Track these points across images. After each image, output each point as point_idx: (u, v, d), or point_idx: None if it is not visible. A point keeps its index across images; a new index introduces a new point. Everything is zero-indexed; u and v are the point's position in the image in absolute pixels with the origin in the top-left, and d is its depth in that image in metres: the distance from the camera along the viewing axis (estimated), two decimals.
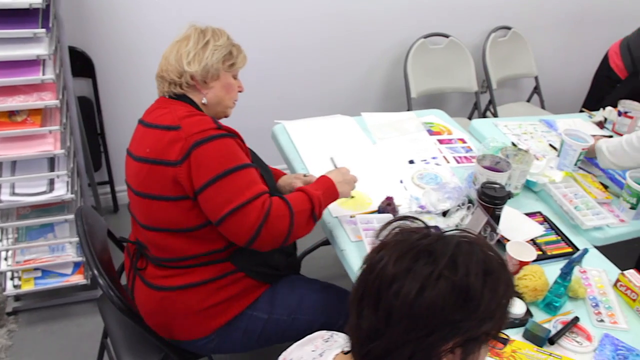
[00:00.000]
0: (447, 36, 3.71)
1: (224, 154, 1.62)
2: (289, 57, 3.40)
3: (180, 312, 1.75)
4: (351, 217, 1.97)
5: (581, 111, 3.18)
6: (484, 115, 3.92)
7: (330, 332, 1.23)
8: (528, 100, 4.23)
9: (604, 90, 3.38)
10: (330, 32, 3.43)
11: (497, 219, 1.85)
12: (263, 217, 1.60)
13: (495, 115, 3.80)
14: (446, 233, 1.00)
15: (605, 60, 3.43)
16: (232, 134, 1.70)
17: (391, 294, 0.92)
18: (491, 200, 1.83)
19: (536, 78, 4.10)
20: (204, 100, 1.76)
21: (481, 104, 3.92)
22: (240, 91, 1.87)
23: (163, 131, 1.65)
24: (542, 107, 4.11)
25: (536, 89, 4.14)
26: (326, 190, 1.80)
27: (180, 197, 1.64)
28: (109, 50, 2.98)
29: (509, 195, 1.88)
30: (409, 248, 0.95)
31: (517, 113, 3.72)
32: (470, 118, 3.95)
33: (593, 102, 3.38)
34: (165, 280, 1.75)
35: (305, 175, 2.06)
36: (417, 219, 1.07)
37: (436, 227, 1.87)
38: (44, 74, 2.20)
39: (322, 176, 1.86)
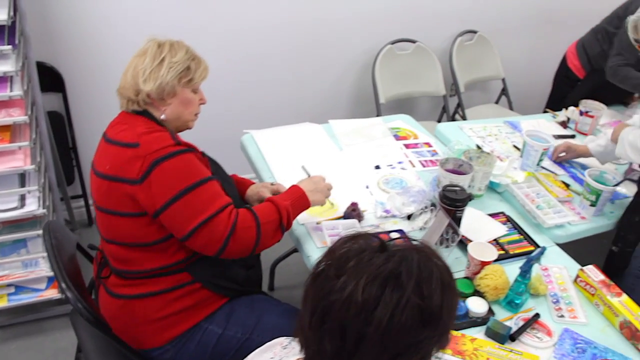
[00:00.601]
0: (413, 42, 3.76)
1: (184, 170, 1.63)
2: (258, 65, 3.43)
3: (139, 321, 1.76)
4: (317, 223, 2.01)
5: (545, 111, 3.26)
6: (452, 118, 3.98)
7: (289, 339, 1.25)
8: (496, 102, 4.31)
9: (565, 90, 3.47)
10: (299, 40, 3.47)
11: (458, 220, 1.90)
12: (230, 229, 1.63)
13: (463, 117, 3.87)
14: (402, 247, 1.01)
15: (563, 61, 3.53)
16: (191, 149, 1.70)
17: (361, 320, 0.93)
18: (452, 202, 1.87)
19: (503, 80, 4.18)
20: (163, 117, 1.75)
21: (450, 107, 3.98)
22: (202, 104, 1.86)
23: (122, 148, 1.65)
24: (510, 108, 4.18)
25: (504, 91, 4.21)
26: (296, 200, 1.83)
27: (139, 214, 1.65)
28: (79, 64, 2.99)
29: (470, 197, 1.93)
30: (375, 274, 0.95)
31: (485, 115, 3.77)
32: (439, 121, 4.01)
33: (555, 102, 3.47)
34: (125, 289, 1.77)
35: (272, 184, 2.10)
36: (369, 235, 1.06)
37: (400, 231, 1.93)
38: (11, 91, 2.22)
39: (293, 186, 1.89)
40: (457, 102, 3.96)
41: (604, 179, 2.29)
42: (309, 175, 2.03)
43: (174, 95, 1.73)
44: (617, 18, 3.17)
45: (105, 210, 1.71)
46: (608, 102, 3.15)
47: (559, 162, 2.62)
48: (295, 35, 3.45)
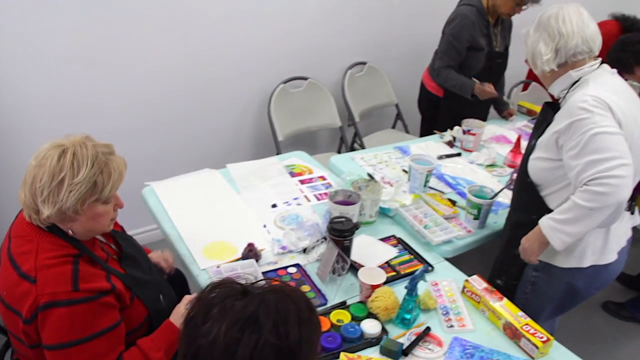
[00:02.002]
0: (305, 78, 3.92)
1: (69, 324, 1.51)
2: (157, 117, 3.49)
3: None
4: (217, 267, 2.08)
5: (433, 133, 3.45)
6: (351, 148, 4.14)
7: None
8: (393, 127, 4.50)
9: (432, 112, 3.75)
10: (194, 88, 3.55)
11: (347, 249, 2.02)
12: None
13: (362, 146, 4.03)
14: (263, 289, 1.11)
15: (422, 87, 3.83)
16: (91, 297, 1.55)
17: None
18: (340, 233, 1.99)
19: (397, 105, 4.38)
20: (71, 232, 1.61)
21: (348, 137, 4.14)
22: (118, 208, 1.73)
23: (19, 278, 1.54)
24: (406, 131, 4.38)
25: (398, 116, 4.42)
26: (170, 345, 1.72)
27: (33, 346, 1.58)
28: None
29: (357, 227, 2.05)
30: (236, 319, 1.04)
31: (383, 141, 3.93)
32: (339, 152, 4.17)
33: (429, 125, 3.71)
34: None
35: (162, 251, 2.15)
36: (233, 281, 1.15)
37: (297, 265, 2.03)
38: None
39: (169, 323, 1.77)
40: (354, 132, 4.12)
41: (484, 192, 2.47)
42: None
43: (80, 214, 1.57)
44: (442, 34, 3.55)
45: (6, 330, 1.67)
46: (484, 116, 3.40)
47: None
48: (190, 84, 3.53)
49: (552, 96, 2.17)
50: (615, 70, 2.05)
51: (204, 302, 1.09)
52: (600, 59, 2.03)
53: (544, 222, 1.95)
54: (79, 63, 3.07)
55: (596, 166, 1.78)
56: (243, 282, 1.13)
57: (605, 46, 3.31)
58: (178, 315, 1.76)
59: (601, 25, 3.97)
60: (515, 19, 3.48)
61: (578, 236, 1.92)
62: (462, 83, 3.40)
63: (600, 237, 2.04)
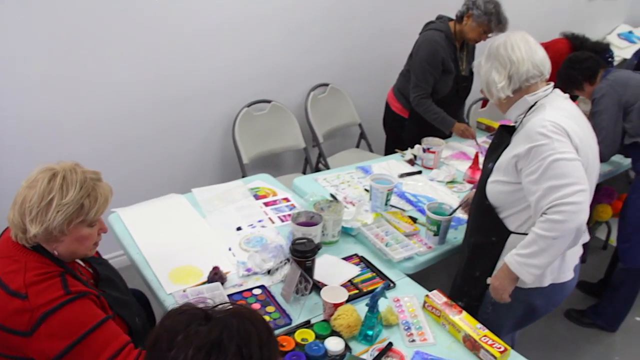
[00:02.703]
0: (269, 101, 3.98)
1: (75, 321, 1.59)
2: (120, 143, 3.51)
3: None
4: (184, 291, 2.11)
5: (395, 151, 3.53)
6: (316, 168, 4.21)
7: None
8: (357, 146, 4.58)
9: (397, 131, 3.84)
10: (159, 115, 3.59)
11: (309, 269, 2.07)
12: None
13: (326, 166, 4.10)
14: (225, 313, 1.16)
15: (387, 107, 3.95)
16: (83, 293, 1.64)
17: None
18: (302, 254, 2.05)
19: (360, 125, 4.47)
20: (55, 252, 1.67)
21: (313, 158, 4.21)
22: (102, 232, 1.80)
23: (9, 296, 1.57)
24: (370, 150, 4.47)
25: (362, 135, 4.51)
26: None
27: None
28: None
29: (318, 247, 2.12)
30: (201, 345, 1.09)
31: (347, 160, 4.00)
32: (304, 172, 4.23)
33: (393, 144, 3.81)
34: None
35: None
36: (195, 307, 1.20)
37: (262, 287, 2.08)
38: None
39: None
40: (319, 152, 4.20)
41: (443, 209, 2.55)
42: None
43: (65, 234, 1.64)
44: (410, 57, 3.68)
45: None
46: (445, 135, 3.53)
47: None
48: (154, 109, 3.56)
49: None
50: (567, 95, 2.14)
51: (167, 328, 1.14)
52: (552, 83, 2.13)
53: (510, 259, 2.00)
54: (40, 85, 3.08)
55: (555, 192, 1.86)
56: (202, 306, 1.18)
57: (556, 64, 3.49)
58: None
59: (553, 43, 4.16)
60: (478, 44, 3.61)
61: (546, 266, 1.98)
62: (443, 118, 3.53)
63: (558, 257, 2.08)
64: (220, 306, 1.19)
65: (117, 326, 1.71)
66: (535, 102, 2.06)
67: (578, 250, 2.24)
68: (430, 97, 3.55)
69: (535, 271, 1.95)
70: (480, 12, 3.35)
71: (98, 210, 1.68)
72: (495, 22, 3.36)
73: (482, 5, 3.36)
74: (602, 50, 3.95)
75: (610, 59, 3.98)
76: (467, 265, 2.30)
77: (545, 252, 1.91)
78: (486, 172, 2.18)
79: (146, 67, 3.42)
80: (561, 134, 1.91)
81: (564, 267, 2.16)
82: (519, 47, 2.06)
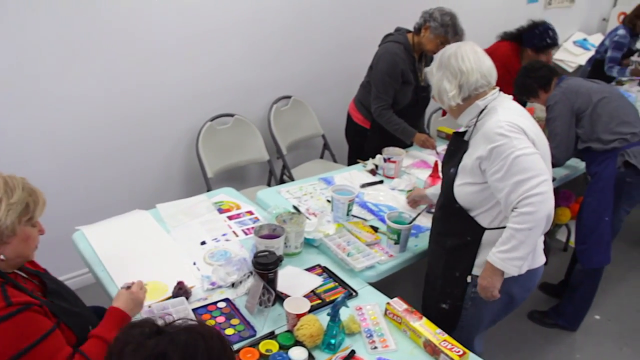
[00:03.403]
0: (232, 115, 4.02)
1: (15, 334, 1.59)
2: (82, 161, 3.50)
3: None
4: (149, 307, 2.13)
5: (357, 162, 3.59)
6: (281, 180, 4.25)
7: None
8: (321, 157, 4.64)
9: (359, 141, 3.91)
10: (121, 130, 3.59)
11: (272, 281, 2.12)
12: None
13: (291, 177, 4.14)
14: (177, 328, 1.21)
15: (349, 118, 4.01)
16: (26, 305, 1.65)
17: None
18: (264, 267, 2.09)
19: (323, 136, 4.53)
20: (2, 257, 1.71)
21: (277, 170, 4.26)
22: (41, 234, 1.85)
23: None
24: (334, 160, 4.52)
25: (325, 146, 4.56)
26: (119, 324, 1.85)
27: None
28: None
29: (280, 259, 2.16)
30: (145, 355, 1.15)
31: (311, 171, 4.04)
32: (269, 184, 4.27)
33: (356, 154, 3.88)
34: None
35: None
36: (150, 321, 1.25)
37: (226, 300, 2.11)
38: None
39: (112, 309, 1.90)
40: (282, 164, 4.24)
41: (402, 218, 2.61)
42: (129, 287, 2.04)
43: (14, 234, 1.70)
44: (370, 68, 3.75)
45: None
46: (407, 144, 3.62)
47: (413, 207, 2.97)
48: (116, 125, 3.57)
49: None
50: (511, 97, 2.27)
51: (120, 340, 1.20)
52: (498, 88, 2.24)
53: (493, 257, 2.11)
54: (0, 101, 3.08)
55: (522, 186, 2.00)
56: (161, 322, 1.23)
57: (505, 66, 3.65)
58: (119, 299, 1.94)
59: (496, 48, 4.28)
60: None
61: (527, 256, 2.10)
62: (404, 129, 3.61)
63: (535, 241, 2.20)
64: (179, 321, 1.23)
65: (62, 337, 1.73)
66: (486, 106, 2.18)
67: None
68: (391, 107, 3.63)
69: (518, 263, 2.08)
70: (437, 24, 3.44)
71: (41, 207, 1.78)
72: (451, 33, 3.45)
73: (439, 17, 3.45)
74: (539, 26, 4.19)
75: (547, 35, 4.17)
76: (446, 268, 2.38)
77: (524, 243, 2.04)
78: (449, 177, 2.28)
79: (107, 82, 3.43)
80: (518, 132, 2.05)
81: (537, 252, 2.31)
82: (468, 57, 2.17)
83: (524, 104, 3.17)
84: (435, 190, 2.82)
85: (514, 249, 2.05)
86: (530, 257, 2.24)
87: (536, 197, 1.98)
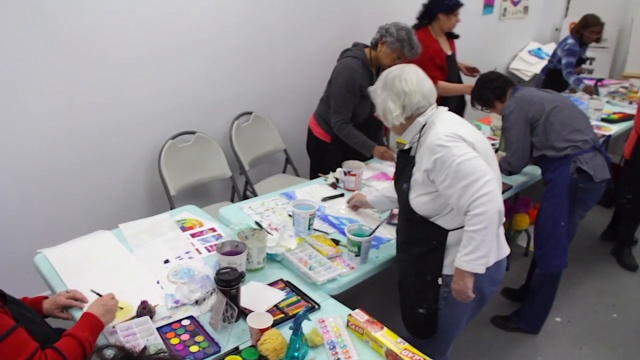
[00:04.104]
0: (193, 133, 4.04)
1: None
2: (43, 182, 3.49)
3: None
4: (113, 327, 2.14)
5: (318, 176, 3.64)
6: (244, 195, 4.28)
7: None
8: (284, 172, 4.68)
9: (320, 155, 3.99)
10: (83, 150, 3.59)
11: (234, 297, 2.15)
12: None
13: (254, 193, 4.17)
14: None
15: (310, 132, 4.09)
16: None
17: None
18: (226, 283, 2.12)
19: (285, 151, 4.58)
20: None
21: (240, 186, 4.29)
22: None
23: None
24: (297, 174, 4.57)
25: (288, 160, 4.61)
26: (92, 327, 1.96)
27: None
28: None
29: (242, 275, 2.19)
30: None
31: (274, 186, 4.08)
32: (232, 201, 4.30)
33: (317, 168, 3.94)
34: None
35: (67, 291, 2.27)
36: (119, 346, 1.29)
37: (191, 317, 2.13)
38: None
39: (86, 313, 2.01)
40: (245, 180, 4.27)
41: (362, 230, 2.67)
42: (100, 295, 2.19)
43: None
44: (329, 83, 3.85)
45: None
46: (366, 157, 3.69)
47: (354, 210, 3.12)
48: (78, 146, 3.56)
49: None
50: (447, 108, 2.41)
51: None
52: (435, 103, 2.39)
53: (459, 262, 2.23)
54: None
55: (469, 190, 2.14)
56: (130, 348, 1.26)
57: (427, 53, 3.99)
58: (92, 306, 2.05)
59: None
60: None
61: (490, 252, 2.23)
62: (363, 142, 3.68)
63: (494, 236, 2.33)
64: (152, 346, 1.27)
65: (27, 334, 1.79)
66: (427, 122, 2.32)
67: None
68: (351, 121, 3.69)
69: (483, 261, 2.20)
70: (393, 39, 3.53)
71: None
72: (407, 48, 3.54)
73: (395, 32, 3.54)
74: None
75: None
76: (418, 274, 2.46)
77: (484, 242, 2.17)
78: (404, 193, 2.41)
79: (67, 101, 3.42)
80: (456, 140, 2.20)
81: (501, 244, 2.45)
82: (411, 80, 2.32)
83: None
84: (375, 198, 2.96)
85: (476, 250, 2.17)
86: (496, 248, 2.37)
87: (484, 197, 2.13)
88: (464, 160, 2.15)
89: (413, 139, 2.38)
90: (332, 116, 3.70)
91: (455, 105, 4.65)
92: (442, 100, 4.48)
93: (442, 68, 4.50)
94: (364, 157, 3.74)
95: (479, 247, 2.17)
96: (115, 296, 2.17)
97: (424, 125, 2.32)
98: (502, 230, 2.47)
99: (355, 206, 3.11)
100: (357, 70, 3.62)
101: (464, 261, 2.21)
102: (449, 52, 4.60)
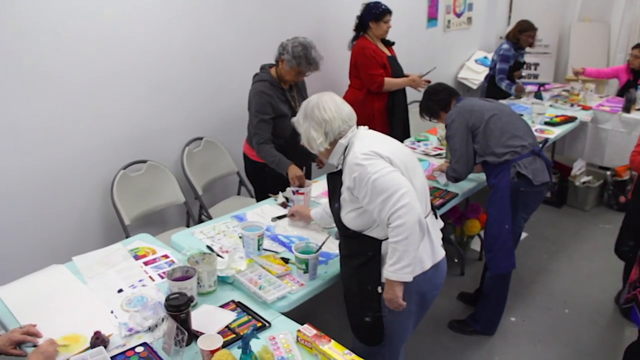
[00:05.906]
0: (144, 161, 4.10)
1: None
2: None
3: None
4: None
5: (268, 196, 3.71)
6: (199, 220, 4.34)
7: None
8: (238, 194, 4.75)
9: (260, 177, 4.08)
10: (33, 184, 3.60)
11: (185, 321, 2.21)
12: None
13: (209, 217, 4.23)
14: None
15: (245, 158, 4.16)
16: None
17: None
18: (176, 308, 2.19)
19: (238, 173, 4.65)
20: None
21: (195, 211, 4.34)
22: None
23: None
24: (251, 196, 4.62)
25: (241, 182, 4.68)
26: None
27: None
28: None
29: (191, 300, 2.26)
30: None
31: (229, 209, 4.08)
32: (188, 225, 4.34)
33: (261, 190, 4.01)
34: None
35: (21, 327, 2.31)
36: None
37: (144, 344, 2.19)
38: None
39: None
40: (199, 205, 4.33)
41: (310, 247, 2.76)
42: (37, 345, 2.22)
43: None
44: (249, 111, 3.89)
45: None
46: (308, 175, 3.79)
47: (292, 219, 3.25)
48: (28, 179, 3.58)
49: None
50: (366, 127, 2.60)
51: None
52: (355, 125, 2.56)
53: (387, 273, 2.35)
54: None
55: (387, 203, 2.27)
56: None
57: (366, 55, 4.91)
58: (34, 356, 2.06)
59: (354, 52, 4.74)
60: (308, 78, 3.94)
61: (414, 259, 2.33)
62: (279, 161, 3.68)
63: (427, 241, 2.49)
64: None
65: None
66: (348, 143, 2.48)
67: (439, 233, 2.65)
68: (271, 142, 3.77)
69: (409, 269, 2.31)
70: (289, 56, 3.64)
71: None
72: (304, 64, 3.65)
73: (291, 49, 3.64)
74: (369, 3, 4.88)
75: (378, 4, 4.86)
76: (359, 284, 2.56)
77: (406, 251, 2.28)
78: (336, 211, 2.57)
79: (15, 132, 3.44)
80: (372, 157, 2.35)
81: (436, 248, 2.58)
82: (329, 107, 2.50)
83: None
84: (317, 213, 3.11)
85: (400, 260, 2.29)
86: (430, 253, 2.52)
87: (401, 209, 2.25)
88: (379, 177, 2.29)
89: (339, 160, 2.54)
90: (253, 138, 3.79)
91: (402, 125, 4.83)
92: (389, 120, 4.65)
93: (385, 66, 4.84)
94: (313, 175, 3.81)
95: (402, 257, 2.28)
96: (54, 341, 2.19)
97: (347, 147, 2.49)
98: (438, 235, 2.61)
99: (292, 215, 3.25)
100: (266, 92, 3.72)
101: (390, 271, 2.33)
102: (389, 54, 4.95)
